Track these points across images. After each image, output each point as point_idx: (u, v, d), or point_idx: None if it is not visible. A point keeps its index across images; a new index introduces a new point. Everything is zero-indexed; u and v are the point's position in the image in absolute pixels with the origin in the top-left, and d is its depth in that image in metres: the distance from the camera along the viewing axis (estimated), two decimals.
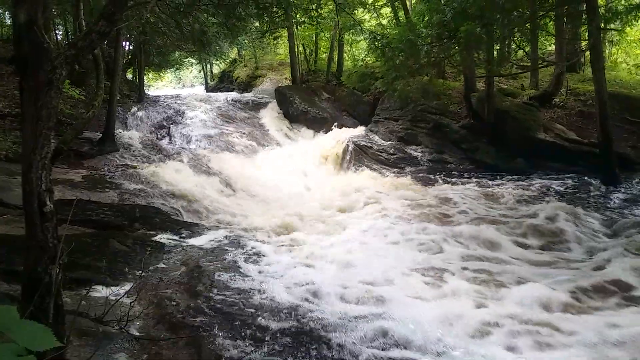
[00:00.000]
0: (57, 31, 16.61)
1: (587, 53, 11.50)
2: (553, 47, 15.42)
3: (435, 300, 4.90)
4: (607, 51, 16.72)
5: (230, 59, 28.27)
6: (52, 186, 2.88)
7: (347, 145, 13.61)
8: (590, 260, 6.11)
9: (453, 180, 11.27)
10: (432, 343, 3.85)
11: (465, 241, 6.85)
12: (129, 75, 20.67)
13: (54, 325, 2.67)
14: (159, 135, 13.99)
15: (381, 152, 13.38)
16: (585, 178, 10.39)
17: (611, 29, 12.84)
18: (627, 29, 13.88)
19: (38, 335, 1.27)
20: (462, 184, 10.87)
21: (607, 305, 4.70)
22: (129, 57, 18.96)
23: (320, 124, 16.32)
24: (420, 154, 13.23)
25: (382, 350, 3.79)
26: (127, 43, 18.20)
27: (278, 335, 4.03)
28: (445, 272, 5.68)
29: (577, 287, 5.04)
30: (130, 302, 4.27)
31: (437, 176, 11.68)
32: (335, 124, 16.21)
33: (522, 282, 5.22)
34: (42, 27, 2.83)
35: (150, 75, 26.81)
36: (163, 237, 7.04)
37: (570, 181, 10.34)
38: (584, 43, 12.62)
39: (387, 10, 18.81)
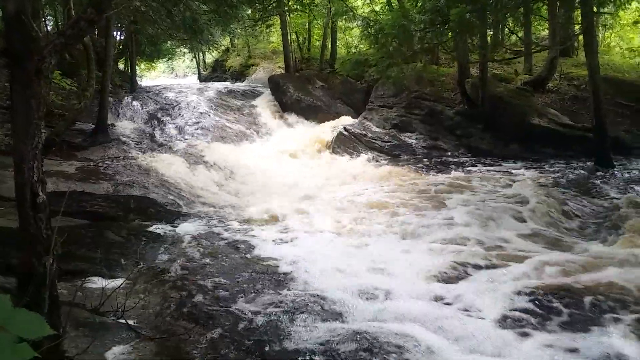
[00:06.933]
0: (47, 22, 16.42)
1: (581, 37, 11.49)
2: (546, 32, 15.38)
3: None
4: (600, 35, 16.71)
5: (223, 48, 28.07)
6: (45, 177, 2.86)
7: (342, 133, 13.58)
8: (578, 240, 6.15)
9: (446, 166, 11.29)
10: None
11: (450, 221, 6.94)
12: (121, 66, 20.49)
13: (49, 315, 2.67)
14: (152, 126, 13.88)
15: (376, 140, 13.36)
16: (580, 162, 10.45)
17: (604, 13, 12.83)
18: (621, 12, 13.86)
19: (31, 323, 1.26)
20: (455, 170, 10.88)
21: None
22: (121, 47, 18.78)
23: (314, 113, 16.24)
24: (414, 141, 13.22)
25: None
26: (119, 33, 18.04)
27: (278, 331, 4.02)
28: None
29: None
30: (127, 293, 4.27)
31: (431, 163, 11.70)
32: (329, 112, 16.16)
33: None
34: (31, 17, 2.79)
35: (143, 66, 26.59)
36: (158, 228, 7.04)
37: (564, 165, 10.39)
38: (577, 27, 12.59)
39: None
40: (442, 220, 7.02)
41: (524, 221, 6.90)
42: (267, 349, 3.63)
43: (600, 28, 16.16)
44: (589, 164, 10.20)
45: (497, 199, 8.13)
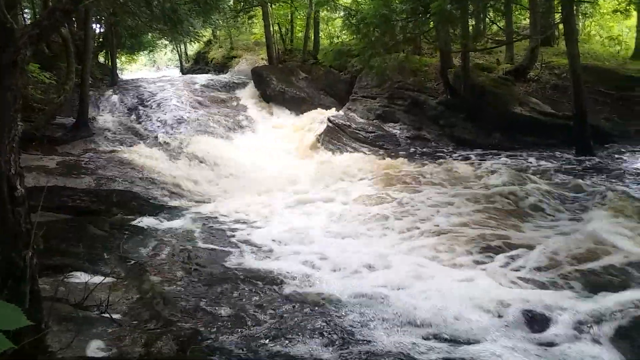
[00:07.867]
0: (24, 15, 16.11)
1: (561, 26, 11.58)
2: (527, 21, 15.48)
3: None
4: (580, 24, 16.87)
5: (205, 40, 27.79)
6: (23, 171, 2.82)
7: (325, 125, 13.56)
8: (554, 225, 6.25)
9: (431, 156, 11.35)
10: None
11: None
12: (101, 59, 20.20)
13: (30, 310, 2.64)
14: (134, 119, 13.73)
15: (359, 131, 13.35)
16: (561, 150, 10.56)
17: (584, 1, 12.94)
18: (600, 1, 14.02)
19: (7, 315, 1.25)
20: (439, 160, 10.93)
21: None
22: (101, 39, 18.51)
23: (298, 104, 16.19)
24: (398, 132, 13.24)
25: None
26: (98, 25, 17.76)
27: (262, 322, 4.02)
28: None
29: None
30: (110, 287, 4.25)
31: (415, 153, 11.75)
32: (313, 103, 16.12)
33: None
34: (5, 8, 2.74)
35: (124, 59, 26.27)
36: (141, 221, 7.00)
37: (545, 154, 10.50)
38: (557, 16, 12.68)
39: None
40: (438, 215, 7.07)
41: (519, 213, 6.97)
42: (249, 346, 3.63)
43: (580, 17, 16.32)
44: (569, 151, 10.33)
45: (483, 189, 8.18)
